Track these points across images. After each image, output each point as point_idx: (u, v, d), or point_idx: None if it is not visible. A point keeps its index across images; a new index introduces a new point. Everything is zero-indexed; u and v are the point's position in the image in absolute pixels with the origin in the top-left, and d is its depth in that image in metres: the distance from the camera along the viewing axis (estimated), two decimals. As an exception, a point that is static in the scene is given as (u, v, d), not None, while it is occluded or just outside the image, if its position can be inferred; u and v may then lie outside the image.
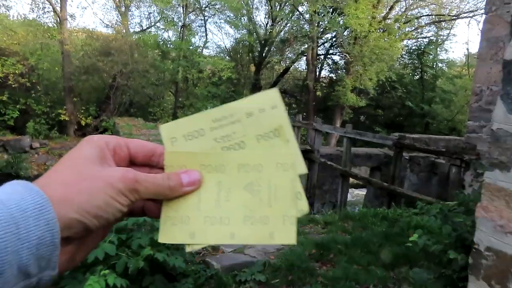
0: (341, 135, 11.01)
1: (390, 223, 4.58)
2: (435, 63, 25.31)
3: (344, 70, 22.63)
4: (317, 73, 27.24)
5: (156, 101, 23.36)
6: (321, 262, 3.49)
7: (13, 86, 16.85)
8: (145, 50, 24.70)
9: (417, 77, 27.01)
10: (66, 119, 18.87)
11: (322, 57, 26.63)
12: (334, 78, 28.20)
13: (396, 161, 8.92)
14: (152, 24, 25.08)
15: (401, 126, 28.35)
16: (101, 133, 19.52)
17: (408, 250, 3.67)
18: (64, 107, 18.97)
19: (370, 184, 9.60)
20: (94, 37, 19.74)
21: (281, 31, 28.13)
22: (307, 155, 12.40)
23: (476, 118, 6.94)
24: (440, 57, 25.13)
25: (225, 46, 39.42)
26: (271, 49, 29.74)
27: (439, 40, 24.77)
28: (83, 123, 19.43)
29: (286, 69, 31.07)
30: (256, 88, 29.91)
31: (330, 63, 28.09)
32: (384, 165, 13.86)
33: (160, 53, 24.87)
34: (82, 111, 19.91)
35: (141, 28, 25.47)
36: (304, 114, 28.95)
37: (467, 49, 49.31)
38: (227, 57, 29.09)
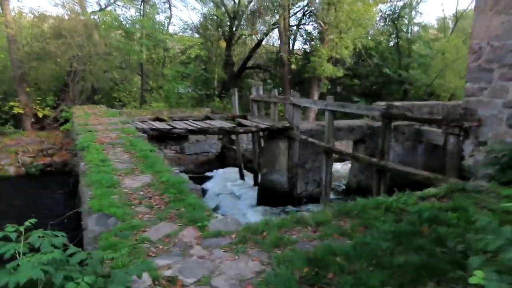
0: (322, 109, 10.05)
1: (396, 217, 3.67)
2: (410, 27, 24.53)
3: (318, 40, 21.52)
4: (291, 46, 26.03)
5: (121, 85, 21.68)
6: (317, 287, 2.53)
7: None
8: (106, 31, 22.76)
9: (392, 43, 26.24)
10: (21, 111, 17.13)
11: (295, 27, 25.37)
12: (309, 49, 27.08)
13: (385, 134, 8.07)
14: (112, 1, 23.05)
15: (378, 95, 27.76)
16: (61, 124, 17.94)
17: (430, 257, 2.77)
18: (17, 98, 17.17)
19: (357, 160, 8.78)
20: (42, 17, 17.70)
21: (251, 2, 26.57)
22: (286, 132, 11.45)
23: (475, 80, 6.08)
24: (415, 21, 24.35)
25: (193, 23, 37.33)
26: (241, 22, 28.15)
27: (414, 2, 23.90)
28: (40, 114, 17.72)
29: (259, 43, 29.56)
30: (228, 65, 28.46)
31: (304, 34, 26.85)
32: (368, 137, 13.10)
33: (123, 34, 22.99)
34: (38, 101, 18.15)
35: (99, 7, 23.41)
36: (280, 88, 27.88)
37: (443, 10, 48.87)
38: (195, 34, 27.36)
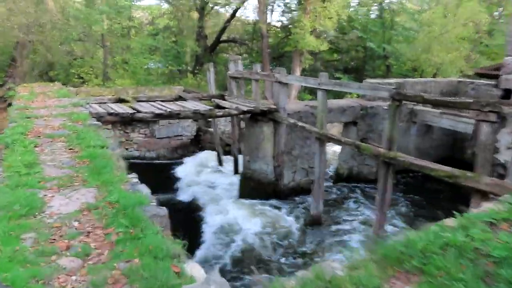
0: (310, 87, 8.54)
1: (473, 264, 2.28)
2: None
3: (297, 11, 19.64)
4: (268, 18, 24.09)
5: (81, 60, 19.23)
6: None
7: None
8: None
9: (373, 15, 24.74)
10: (-42, 90, 14.65)
11: (273, -4, 23.36)
12: (288, 21, 25.21)
13: (394, 119, 6.69)
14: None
15: (358, 70, 26.53)
16: (9, 105, 15.58)
17: None
18: (-47, 75, 14.64)
19: (359, 150, 7.39)
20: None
21: (224, -33, 24.23)
22: (271, 115, 9.91)
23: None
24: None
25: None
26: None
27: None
28: (-18, 94, 15.25)
29: (233, 14, 27.38)
30: (201, 37, 26.22)
31: (282, 4, 24.86)
32: (361, 119, 11.79)
33: (84, 1, 20.30)
34: (-20, 78, 15.64)
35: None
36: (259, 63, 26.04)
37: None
38: (164, 3, 24.81)
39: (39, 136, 5.61)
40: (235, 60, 11.73)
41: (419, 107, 12.76)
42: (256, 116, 10.09)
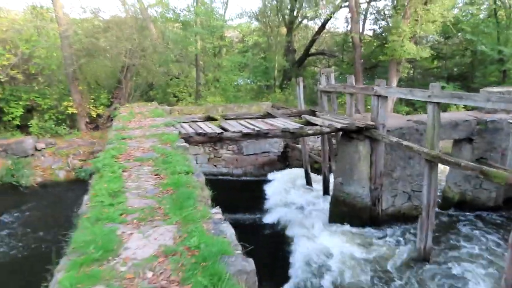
0: (425, 101, 7.30)
1: None
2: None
3: (393, 17, 17.94)
4: (361, 26, 22.75)
5: (177, 79, 20.34)
6: None
7: (1, 80, 14.47)
8: (163, 24, 21.61)
9: (482, 15, 21.57)
10: (75, 111, 16.46)
11: (365, 4, 22.02)
12: (380, 29, 23.52)
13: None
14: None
15: (464, 77, 23.39)
16: (114, 123, 17.06)
17: None
18: (71, 98, 16.52)
19: (486, 176, 5.92)
20: (94, 12, 16.76)
21: (313, -21, 23.77)
22: (368, 132, 8.84)
23: None
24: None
25: (251, 9, 35.31)
26: (303, 4, 25.45)
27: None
28: (94, 114, 16.94)
29: (323, 26, 26.64)
30: (289, 51, 26.00)
31: (375, 11, 23.32)
32: (478, 135, 9.96)
33: (181, 26, 21.68)
34: (93, 100, 17.41)
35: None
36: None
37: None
38: (254, 22, 25.20)
39: (129, 160, 5.56)
40: (327, 73, 10.94)
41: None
42: (351, 134, 9.11)
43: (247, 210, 11.62)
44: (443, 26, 17.37)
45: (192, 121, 10.50)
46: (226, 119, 10.59)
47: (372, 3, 22.80)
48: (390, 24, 17.39)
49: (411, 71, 17.97)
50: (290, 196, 12.59)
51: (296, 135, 8.70)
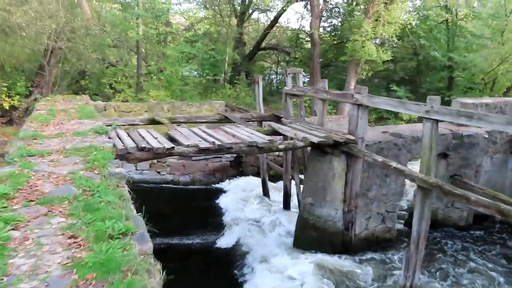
0: (421, 117, 6.13)
1: None
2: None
3: (360, 13, 16.85)
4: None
5: (113, 68, 17.68)
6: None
7: None
8: (99, 2, 18.70)
9: (430, 21, 21.65)
10: (-20, 102, 13.32)
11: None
12: (336, 26, 22.82)
13: None
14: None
15: (413, 82, 23.57)
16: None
17: None
18: (-26, 84, 13.33)
19: (507, 217, 4.86)
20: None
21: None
22: (346, 147, 7.56)
23: None
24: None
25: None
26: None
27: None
28: (6, 106, 13.89)
29: (275, 19, 25.33)
30: (240, 44, 24.31)
31: (339, 6, 22.27)
32: (453, 150, 9.21)
33: (120, 8, 18.92)
34: (5, 88, 14.29)
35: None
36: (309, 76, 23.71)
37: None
38: (204, 9, 23.02)
39: (29, 202, 3.58)
40: (294, 73, 9.50)
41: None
42: (325, 147, 7.77)
43: (196, 229, 9.88)
44: (402, 29, 16.88)
45: (132, 125, 8.47)
46: (175, 123, 8.70)
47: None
48: (350, 23, 16.51)
49: (369, 73, 17.37)
50: (247, 210, 11.06)
51: (265, 150, 7.16)
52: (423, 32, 19.66)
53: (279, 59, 30.95)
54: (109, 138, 6.20)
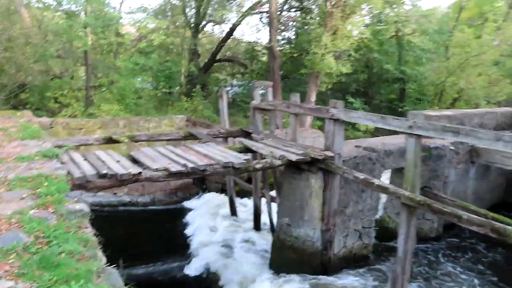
0: (406, 133, 5.93)
1: None
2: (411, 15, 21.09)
3: (319, 26, 16.85)
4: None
5: (58, 81, 16.19)
6: None
7: None
8: (41, 10, 17.18)
9: (382, 36, 22.55)
10: None
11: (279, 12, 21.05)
12: (293, 38, 22.93)
13: None
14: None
15: (366, 94, 24.31)
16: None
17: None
18: None
19: (501, 236, 4.70)
20: None
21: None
22: (323, 164, 7.20)
23: None
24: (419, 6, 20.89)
25: (149, 5, 31.83)
26: (209, 6, 23.42)
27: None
28: None
29: (231, 31, 25.02)
30: (195, 55, 23.63)
31: (287, 21, 22.51)
32: (422, 162, 9.20)
33: (65, 15, 17.45)
34: None
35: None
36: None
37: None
38: (158, 18, 22.07)
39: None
40: (262, 87, 9.07)
41: (483, 145, 10.37)
42: (301, 165, 7.37)
43: (160, 256, 9.00)
44: (359, 42, 17.25)
45: (86, 145, 7.51)
46: (135, 141, 7.87)
47: (284, 12, 22.03)
48: (309, 36, 16.56)
49: (329, 86, 17.56)
50: (214, 231, 10.34)
51: (241, 171, 6.59)
52: (376, 46, 20.33)
53: (234, 71, 30.70)
54: (62, 163, 5.30)
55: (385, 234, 9.82)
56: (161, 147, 6.89)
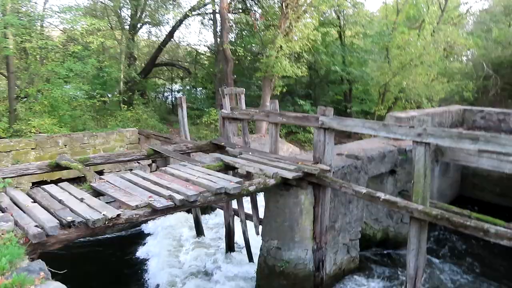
0: (415, 141, 5.44)
1: None
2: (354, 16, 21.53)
3: (273, 27, 16.09)
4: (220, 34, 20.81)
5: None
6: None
7: None
8: None
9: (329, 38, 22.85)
10: None
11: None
12: (238, 40, 22.15)
13: None
14: None
15: (313, 96, 24.41)
16: None
17: None
18: None
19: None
20: None
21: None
22: (313, 178, 6.49)
23: None
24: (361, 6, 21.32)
25: (76, 2, 28.99)
26: (145, 7, 21.76)
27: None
28: None
29: (170, 34, 23.52)
30: (132, 59, 21.78)
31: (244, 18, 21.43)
32: (400, 166, 9.03)
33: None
34: None
35: None
36: (213, 93, 22.39)
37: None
38: (91, 20, 19.79)
39: None
40: (237, 94, 8.13)
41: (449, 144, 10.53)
42: (289, 180, 6.58)
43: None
44: (312, 45, 17.01)
45: (24, 175, 5.95)
46: (89, 165, 6.45)
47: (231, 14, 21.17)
48: (263, 38, 15.93)
49: (284, 89, 17.07)
50: (182, 258, 9.12)
51: (235, 197, 5.60)
52: (322, 48, 20.37)
53: (173, 75, 29.17)
54: (1, 211, 3.90)
55: (363, 242, 9.45)
56: (129, 173, 5.65)
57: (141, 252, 9.54)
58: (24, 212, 3.90)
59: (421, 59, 17.14)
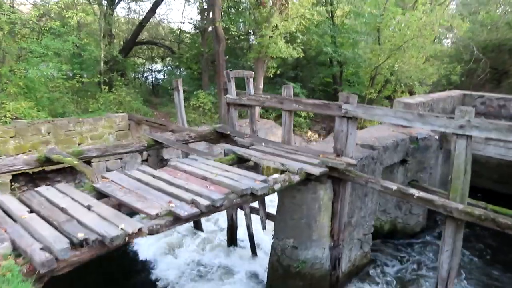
0: (455, 134, 4.97)
1: None
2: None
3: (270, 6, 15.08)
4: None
5: None
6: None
7: None
8: None
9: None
10: None
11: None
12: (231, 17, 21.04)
13: None
14: None
15: (303, 78, 23.71)
16: None
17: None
18: None
19: None
20: None
21: None
22: (335, 172, 5.95)
23: None
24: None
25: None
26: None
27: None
28: None
29: (152, 11, 22.09)
30: (111, 37, 20.36)
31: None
32: (411, 155, 8.64)
33: None
34: None
35: None
36: (199, 74, 21.38)
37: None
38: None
39: None
40: (246, 77, 7.39)
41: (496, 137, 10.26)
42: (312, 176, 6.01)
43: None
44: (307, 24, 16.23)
45: (9, 172, 5.13)
46: (83, 158, 5.66)
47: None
48: (256, 16, 14.99)
49: (278, 71, 16.33)
50: (181, 257, 8.51)
51: (260, 197, 4.99)
52: (314, 27, 19.61)
53: (153, 54, 27.77)
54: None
55: (375, 232, 9.12)
56: (136, 170, 4.91)
57: (133, 251, 8.85)
58: (22, 227, 3.16)
59: (414, 42, 16.72)
